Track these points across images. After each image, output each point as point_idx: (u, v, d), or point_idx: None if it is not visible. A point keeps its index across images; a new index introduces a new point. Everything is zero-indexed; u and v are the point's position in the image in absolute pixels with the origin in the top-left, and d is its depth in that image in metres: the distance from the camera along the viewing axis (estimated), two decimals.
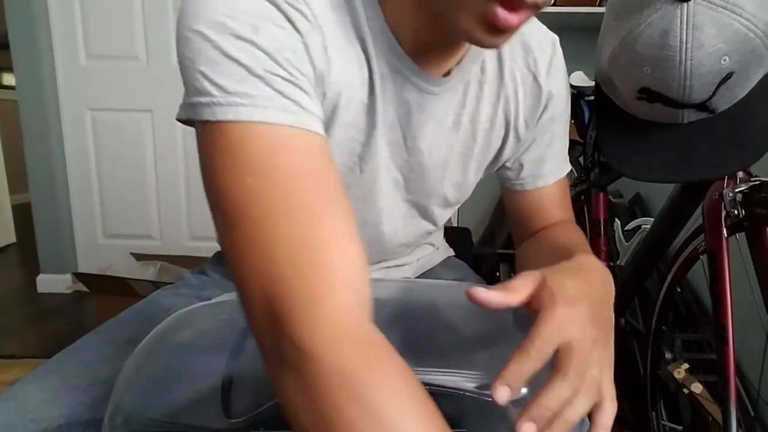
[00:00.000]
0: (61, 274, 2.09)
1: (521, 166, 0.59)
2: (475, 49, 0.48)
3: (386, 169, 0.51)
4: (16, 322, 1.86)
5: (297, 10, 0.37)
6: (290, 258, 0.31)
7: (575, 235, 0.57)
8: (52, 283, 2.11)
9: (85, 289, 1.95)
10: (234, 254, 0.33)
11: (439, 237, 0.74)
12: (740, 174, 0.72)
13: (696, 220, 0.84)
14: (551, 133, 0.58)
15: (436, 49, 0.45)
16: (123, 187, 2.08)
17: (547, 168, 0.59)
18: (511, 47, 0.52)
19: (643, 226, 1.12)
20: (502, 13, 0.34)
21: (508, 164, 0.59)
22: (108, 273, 1.87)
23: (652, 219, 1.01)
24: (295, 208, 0.32)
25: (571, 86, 1.17)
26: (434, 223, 0.60)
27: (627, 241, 1.16)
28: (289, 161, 0.33)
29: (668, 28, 0.50)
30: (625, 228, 1.21)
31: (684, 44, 0.49)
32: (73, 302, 2.02)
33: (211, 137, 0.34)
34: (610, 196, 1.26)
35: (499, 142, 0.55)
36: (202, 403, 0.38)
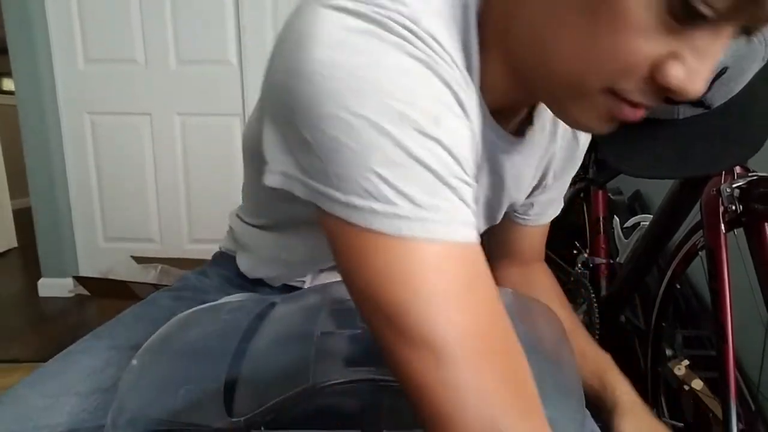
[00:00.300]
0: (62, 278, 2.09)
1: (532, 205, 0.61)
2: (540, 110, 0.48)
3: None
4: (17, 326, 1.86)
5: (461, 87, 0.32)
6: (509, 399, 0.29)
7: (571, 314, 0.65)
8: (53, 287, 2.11)
9: (86, 292, 1.95)
10: (439, 390, 0.29)
11: None
12: (738, 169, 0.72)
13: (695, 216, 0.84)
14: (566, 180, 0.60)
15: (514, 109, 0.45)
16: (123, 191, 2.08)
17: (552, 210, 0.63)
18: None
19: (642, 223, 1.13)
20: (628, 111, 0.33)
21: (521, 204, 0.61)
22: (109, 276, 1.87)
23: (652, 216, 1.01)
24: (500, 346, 0.30)
25: None
26: None
27: (626, 239, 1.16)
28: (486, 289, 0.31)
29: None
30: (625, 225, 1.21)
31: None
32: (74, 306, 2.02)
33: (387, 251, 0.29)
34: (609, 194, 1.26)
35: (530, 189, 0.57)
36: (204, 402, 0.39)
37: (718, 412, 0.81)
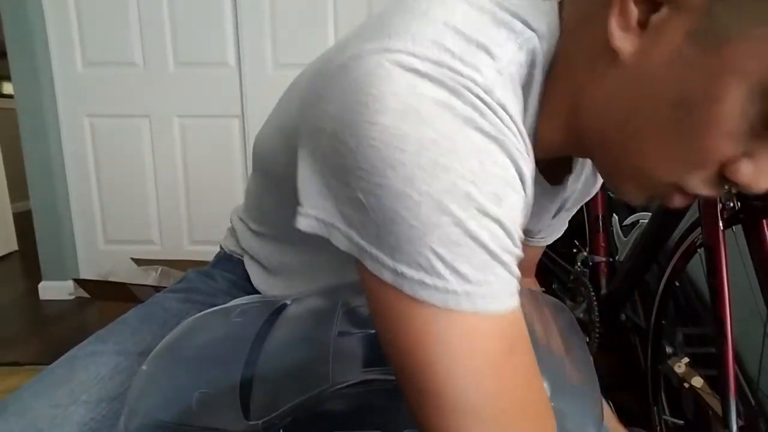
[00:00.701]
0: (63, 280, 2.09)
1: (540, 231, 0.61)
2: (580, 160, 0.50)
3: None
4: (18, 329, 1.87)
5: (523, 157, 0.31)
6: None
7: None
8: (53, 290, 2.11)
9: (86, 295, 1.95)
10: None
11: None
12: None
13: (693, 212, 0.84)
14: (566, 210, 0.60)
15: (557, 163, 0.45)
16: (123, 193, 2.08)
17: (557, 233, 0.64)
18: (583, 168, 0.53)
19: (641, 221, 1.13)
20: (680, 200, 0.34)
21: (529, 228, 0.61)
22: (109, 279, 1.87)
23: (651, 214, 1.02)
24: (532, 410, 0.31)
25: None
26: None
27: (626, 237, 1.16)
28: (524, 354, 0.31)
29: None
30: (624, 223, 1.21)
31: None
32: (74, 309, 2.02)
33: (431, 321, 0.29)
34: (608, 192, 1.26)
35: (549, 216, 0.57)
36: (220, 406, 0.38)
37: (719, 409, 0.81)
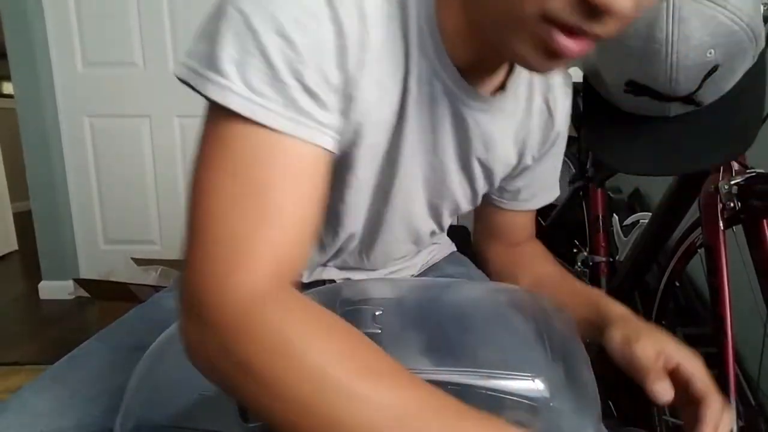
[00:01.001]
0: (63, 280, 2.09)
1: (519, 190, 0.62)
2: (520, 78, 0.50)
3: (412, 166, 0.50)
4: (18, 329, 1.87)
5: (347, 10, 0.36)
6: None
7: (560, 270, 0.64)
8: (53, 289, 2.11)
9: (86, 295, 1.95)
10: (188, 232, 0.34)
11: (443, 235, 0.76)
12: (736, 166, 0.72)
13: (694, 213, 0.84)
14: (552, 166, 0.61)
15: (484, 67, 0.45)
16: (123, 193, 2.08)
17: (543, 196, 0.63)
18: (537, 80, 0.53)
19: (641, 221, 1.13)
20: (563, 41, 0.33)
21: (507, 187, 0.62)
22: (109, 278, 1.86)
23: (651, 214, 1.02)
24: (256, 201, 0.33)
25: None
26: (441, 226, 0.62)
27: (626, 237, 1.16)
28: (276, 172, 0.34)
29: (654, 21, 0.50)
30: (624, 223, 1.21)
31: (670, 37, 0.50)
32: (74, 308, 2.03)
33: (216, 119, 0.34)
34: (608, 192, 1.26)
35: (509, 169, 0.57)
36: (217, 408, 0.38)
37: None
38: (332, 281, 0.60)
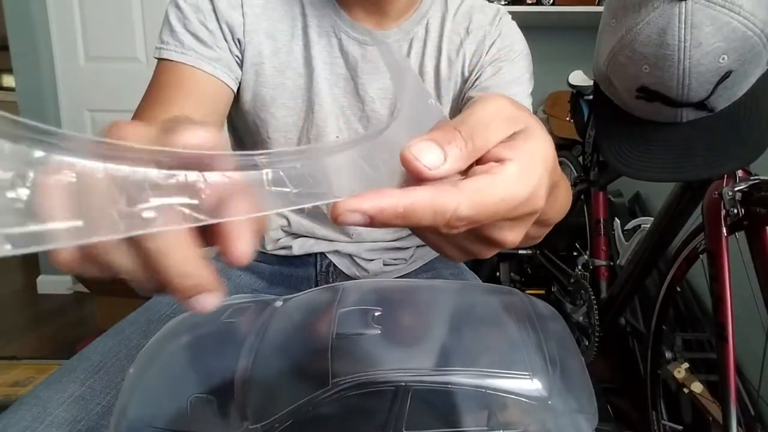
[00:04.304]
0: (61, 275, 2.09)
1: (469, 100, 0.60)
2: (418, 13, 0.58)
3: (337, 120, 0.59)
4: (16, 323, 1.86)
5: None
6: None
7: None
8: (52, 284, 2.11)
9: (85, 290, 1.95)
10: None
11: None
12: (739, 173, 0.72)
13: (696, 219, 0.84)
14: (496, 69, 0.59)
15: (371, 3, 0.55)
16: None
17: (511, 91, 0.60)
18: (455, 14, 0.59)
19: (642, 226, 1.12)
20: None
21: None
22: None
23: (652, 218, 1.01)
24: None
25: (571, 86, 1.16)
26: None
27: (627, 241, 1.16)
28: (172, 89, 0.53)
29: (666, 27, 0.49)
30: (625, 227, 1.21)
31: (682, 43, 0.49)
32: (73, 303, 2.02)
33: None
34: (609, 196, 1.26)
35: (451, 94, 0.60)
36: (215, 409, 0.38)
37: (718, 416, 0.81)
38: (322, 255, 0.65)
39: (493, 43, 0.59)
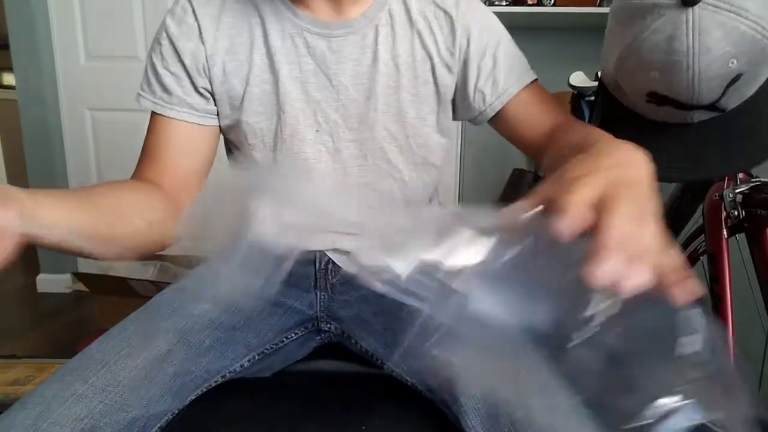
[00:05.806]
0: (61, 274, 2.09)
1: (483, 94, 0.61)
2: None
3: (315, 115, 0.60)
4: (16, 322, 1.86)
5: (176, 24, 0.58)
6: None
7: (581, 127, 0.58)
8: (51, 283, 2.11)
9: (84, 288, 1.94)
10: None
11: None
12: (741, 175, 0.72)
13: (696, 220, 0.84)
14: (491, 57, 0.60)
15: None
16: None
17: (504, 84, 0.61)
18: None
19: None
20: None
21: (473, 104, 0.62)
22: (108, 273, 1.86)
23: None
24: None
25: (572, 86, 1.16)
26: (396, 168, 0.63)
27: None
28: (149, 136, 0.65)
29: (674, 34, 0.49)
30: None
31: (691, 49, 0.48)
32: (72, 302, 2.02)
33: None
34: None
35: (429, 75, 0.61)
36: None
37: None
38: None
39: (470, 28, 0.60)
